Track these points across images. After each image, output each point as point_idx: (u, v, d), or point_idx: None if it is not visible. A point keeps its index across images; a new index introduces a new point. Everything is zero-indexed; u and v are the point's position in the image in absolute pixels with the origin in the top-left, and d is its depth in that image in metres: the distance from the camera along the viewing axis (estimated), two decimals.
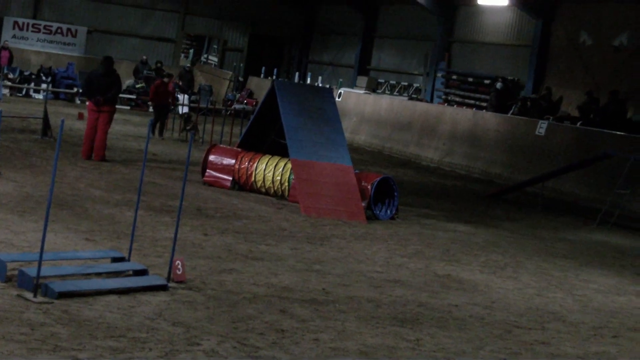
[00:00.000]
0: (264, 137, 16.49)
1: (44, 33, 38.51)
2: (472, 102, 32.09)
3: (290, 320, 7.98)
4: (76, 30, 39.00)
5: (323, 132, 15.42)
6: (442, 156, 26.47)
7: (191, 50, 47.61)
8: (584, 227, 17.16)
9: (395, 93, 36.34)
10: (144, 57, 37.12)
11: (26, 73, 34.21)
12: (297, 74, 39.83)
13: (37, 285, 7.64)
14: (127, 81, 33.64)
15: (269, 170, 15.52)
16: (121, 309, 7.64)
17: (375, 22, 39.23)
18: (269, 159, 15.67)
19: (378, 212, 14.87)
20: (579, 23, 28.59)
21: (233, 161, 15.96)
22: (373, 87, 36.59)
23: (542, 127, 23.62)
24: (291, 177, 15.12)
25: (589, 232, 16.55)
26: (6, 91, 31.40)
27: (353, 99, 31.96)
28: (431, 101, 33.29)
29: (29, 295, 7.62)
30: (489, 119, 26.04)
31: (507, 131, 24.85)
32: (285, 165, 15.32)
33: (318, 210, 14.26)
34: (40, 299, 7.56)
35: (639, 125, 24.31)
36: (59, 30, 38.75)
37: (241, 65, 42.69)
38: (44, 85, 31.67)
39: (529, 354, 7.89)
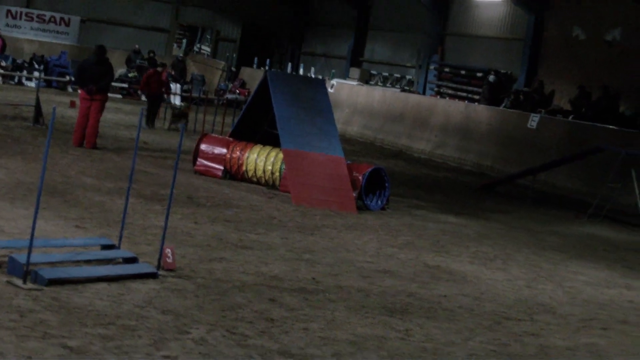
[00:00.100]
0: (256, 127, 16.48)
1: (37, 22, 38.40)
2: (464, 94, 32.12)
3: (280, 309, 7.98)
4: (69, 19, 38.90)
5: (315, 123, 15.42)
6: (434, 148, 26.50)
7: (184, 40, 47.52)
8: (575, 220, 17.21)
9: (387, 85, 36.34)
10: (137, 47, 37.05)
11: (19, 61, 34.13)
12: (289, 64, 39.79)
13: (26, 272, 7.63)
14: (120, 70, 33.60)
15: (261, 159, 15.51)
16: (111, 296, 7.63)
17: (369, 14, 39.21)
18: (261, 148, 15.65)
19: (369, 202, 14.88)
20: (572, 17, 28.61)
21: (225, 150, 15.94)
22: (366, 79, 36.58)
23: (534, 120, 23.66)
24: (282, 167, 15.12)
25: (579, 225, 16.59)
26: None
27: (346, 91, 31.96)
28: (423, 93, 33.30)
29: (19, 281, 7.60)
30: (481, 112, 26.07)
31: (499, 124, 24.89)
32: (276, 155, 15.31)
33: (309, 200, 14.26)
34: (29, 285, 7.54)
35: (631, 119, 24.38)
36: (52, 19, 38.65)
37: (234, 55, 42.64)
38: (36, 74, 31.62)
39: (518, 345, 7.90)
